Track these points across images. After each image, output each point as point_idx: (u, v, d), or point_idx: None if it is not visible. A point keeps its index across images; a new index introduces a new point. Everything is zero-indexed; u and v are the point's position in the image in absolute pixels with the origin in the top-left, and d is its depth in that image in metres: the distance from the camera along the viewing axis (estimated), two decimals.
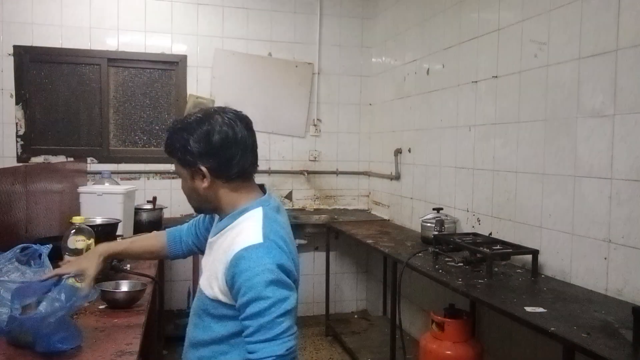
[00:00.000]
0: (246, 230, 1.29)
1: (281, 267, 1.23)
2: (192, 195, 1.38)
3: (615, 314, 1.84)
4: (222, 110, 1.37)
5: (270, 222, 1.32)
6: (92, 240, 1.78)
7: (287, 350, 1.19)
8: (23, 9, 3.95)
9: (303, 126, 4.61)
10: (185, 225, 1.74)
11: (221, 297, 1.29)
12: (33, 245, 1.62)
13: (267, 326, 1.18)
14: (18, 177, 2.11)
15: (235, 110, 1.40)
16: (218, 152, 1.31)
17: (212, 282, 1.32)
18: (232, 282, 1.23)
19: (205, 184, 1.33)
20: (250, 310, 1.19)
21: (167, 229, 1.78)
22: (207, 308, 1.33)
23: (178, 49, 4.30)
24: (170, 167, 4.29)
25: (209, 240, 1.44)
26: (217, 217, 1.45)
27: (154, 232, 1.82)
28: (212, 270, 1.33)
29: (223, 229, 1.37)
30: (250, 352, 1.20)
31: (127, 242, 1.78)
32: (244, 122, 1.37)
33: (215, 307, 1.31)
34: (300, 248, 3.81)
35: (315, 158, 4.66)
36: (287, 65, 4.54)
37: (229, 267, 1.24)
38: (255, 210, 1.34)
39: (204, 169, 1.31)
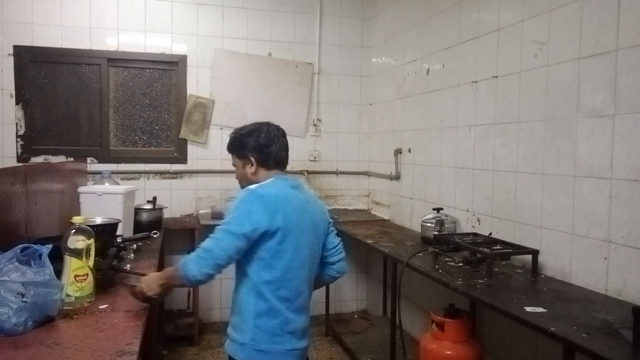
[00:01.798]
0: (255, 185, 1.87)
1: (246, 211, 1.76)
2: (243, 178, 1.98)
3: (615, 314, 1.84)
4: (267, 124, 1.99)
5: (269, 186, 1.86)
6: (92, 240, 1.77)
7: (207, 247, 1.72)
8: (23, 9, 3.95)
9: (303, 126, 4.61)
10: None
11: None
12: (33, 245, 1.62)
13: (216, 231, 1.75)
14: (18, 177, 2.11)
15: (276, 125, 2.01)
16: (262, 149, 1.92)
17: None
18: None
19: (252, 169, 1.94)
20: (222, 222, 1.78)
21: None
22: None
23: (178, 49, 4.30)
24: (170, 167, 4.31)
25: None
26: None
27: None
28: None
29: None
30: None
31: None
32: (280, 130, 1.99)
33: None
34: None
35: (315, 158, 4.66)
36: (287, 65, 4.54)
37: None
38: (272, 179, 1.90)
39: (252, 159, 1.93)
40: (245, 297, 1.82)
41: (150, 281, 1.78)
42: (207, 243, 1.73)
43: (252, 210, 1.75)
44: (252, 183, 1.90)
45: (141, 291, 1.76)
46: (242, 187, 1.94)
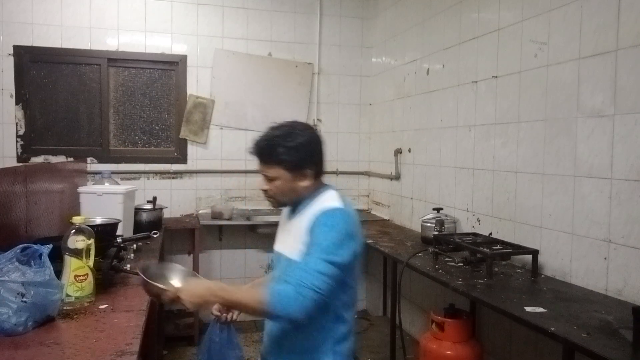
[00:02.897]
0: (327, 200, 1.61)
1: (347, 235, 1.50)
2: (289, 193, 1.64)
3: (615, 314, 1.84)
4: (309, 126, 1.70)
5: (344, 197, 1.65)
6: (92, 240, 1.77)
7: (320, 288, 1.41)
8: (23, 9, 3.95)
9: None
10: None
11: None
12: (33, 245, 1.62)
13: (318, 262, 1.44)
14: (18, 177, 2.11)
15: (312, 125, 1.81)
16: (321, 159, 1.66)
17: (298, 246, 1.55)
18: (311, 230, 1.52)
19: (306, 183, 1.62)
20: (315, 248, 1.47)
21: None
22: None
23: (178, 49, 4.30)
24: (170, 167, 4.30)
25: (285, 222, 1.73)
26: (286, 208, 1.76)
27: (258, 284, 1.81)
28: (296, 237, 1.58)
29: (303, 208, 1.63)
30: (288, 276, 1.44)
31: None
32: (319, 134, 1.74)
33: None
34: None
35: None
36: (287, 65, 4.54)
37: (313, 221, 1.53)
38: (329, 191, 1.67)
39: (309, 172, 1.61)
40: (319, 326, 1.54)
41: (193, 291, 1.48)
42: (307, 277, 1.41)
43: (350, 234, 1.51)
44: (299, 198, 1.64)
45: (175, 297, 1.48)
46: (284, 201, 1.67)
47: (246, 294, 1.49)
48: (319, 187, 1.67)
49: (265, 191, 1.66)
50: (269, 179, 1.62)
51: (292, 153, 1.59)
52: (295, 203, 1.68)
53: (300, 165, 1.60)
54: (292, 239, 1.62)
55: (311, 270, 1.42)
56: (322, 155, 1.67)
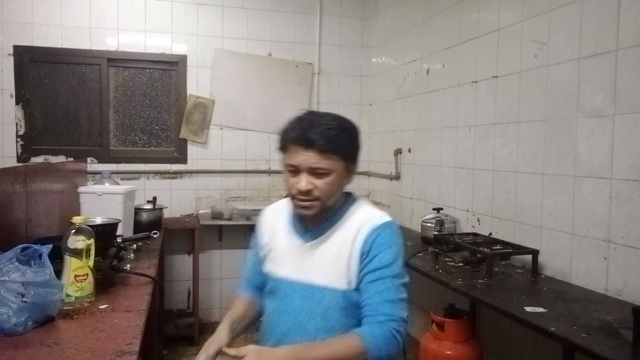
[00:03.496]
0: (371, 214, 1.45)
1: (402, 251, 1.42)
2: (336, 192, 1.43)
3: (615, 314, 1.84)
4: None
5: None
6: (92, 240, 1.77)
7: (407, 316, 1.33)
8: (23, 9, 3.95)
9: None
10: (249, 274, 1.62)
11: (354, 284, 1.38)
12: (33, 245, 1.62)
13: (394, 289, 1.33)
14: (18, 177, 2.11)
15: None
16: (359, 152, 1.47)
17: (339, 274, 1.39)
18: (367, 254, 1.37)
19: (350, 180, 1.45)
20: (380, 273, 1.34)
21: (241, 290, 1.62)
22: (338, 302, 1.39)
23: (178, 49, 4.30)
24: (170, 167, 4.30)
25: (299, 245, 1.48)
26: (278, 228, 1.53)
27: (240, 300, 1.60)
28: (332, 264, 1.40)
29: (333, 225, 1.45)
30: (371, 312, 1.31)
31: (230, 326, 1.51)
32: None
33: (347, 297, 1.38)
34: None
35: None
36: (287, 65, 4.54)
37: (366, 240, 1.38)
38: (359, 200, 1.51)
39: (355, 166, 1.45)
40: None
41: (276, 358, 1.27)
42: (394, 310, 1.31)
43: (402, 248, 1.43)
44: (335, 202, 1.44)
45: None
46: (328, 203, 1.41)
47: (339, 348, 1.29)
48: (344, 196, 1.49)
49: (308, 192, 1.38)
50: (320, 174, 1.37)
51: (354, 143, 1.43)
52: (326, 210, 1.44)
53: (355, 157, 1.44)
54: (324, 264, 1.41)
55: (394, 300, 1.32)
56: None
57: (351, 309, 1.39)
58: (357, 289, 1.39)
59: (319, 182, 1.38)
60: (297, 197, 1.40)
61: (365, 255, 1.37)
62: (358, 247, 1.38)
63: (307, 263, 1.45)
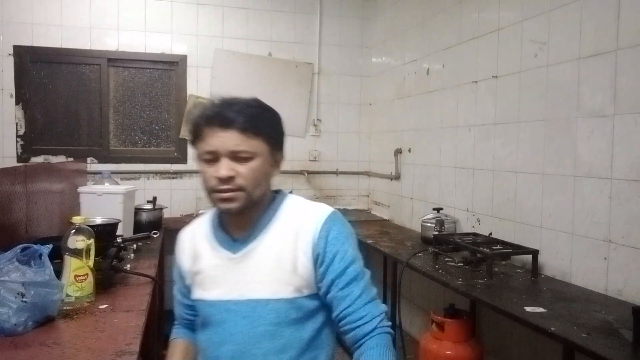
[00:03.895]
0: (310, 207, 1.27)
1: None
2: (263, 182, 1.22)
3: (615, 314, 1.84)
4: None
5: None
6: (92, 240, 1.77)
7: (384, 308, 1.22)
8: (23, 9, 3.95)
9: (303, 126, 4.61)
10: (179, 312, 1.44)
11: (305, 290, 1.20)
12: (33, 245, 1.62)
13: (367, 288, 1.20)
14: (18, 177, 2.11)
15: None
16: (284, 140, 1.30)
17: (283, 281, 1.20)
18: (323, 255, 1.18)
19: (276, 171, 1.26)
20: (349, 274, 1.18)
21: (174, 333, 1.46)
22: (288, 314, 1.19)
23: (178, 49, 4.30)
24: (170, 167, 4.30)
25: (233, 256, 1.24)
26: (208, 239, 1.30)
27: (176, 347, 1.42)
28: (273, 272, 1.20)
29: (265, 226, 1.24)
30: (356, 320, 1.17)
31: None
32: None
33: (298, 307, 1.20)
34: None
35: (315, 158, 4.66)
36: (287, 65, 4.54)
37: (315, 238, 1.19)
38: (288, 194, 1.33)
39: (281, 157, 1.27)
40: (329, 346, 1.29)
41: None
42: (377, 311, 1.20)
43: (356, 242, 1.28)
44: (264, 193, 1.24)
45: None
46: (252, 197, 1.20)
47: None
48: (273, 193, 1.30)
49: (230, 179, 1.16)
50: (242, 159, 1.17)
51: (278, 126, 1.27)
52: (254, 207, 1.23)
53: (280, 143, 1.26)
54: (262, 273, 1.21)
55: (374, 297, 1.21)
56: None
57: (304, 319, 1.21)
58: (316, 294, 1.22)
59: (242, 168, 1.16)
60: (217, 188, 1.17)
61: (322, 256, 1.19)
62: (307, 248, 1.19)
63: (241, 277, 1.22)
